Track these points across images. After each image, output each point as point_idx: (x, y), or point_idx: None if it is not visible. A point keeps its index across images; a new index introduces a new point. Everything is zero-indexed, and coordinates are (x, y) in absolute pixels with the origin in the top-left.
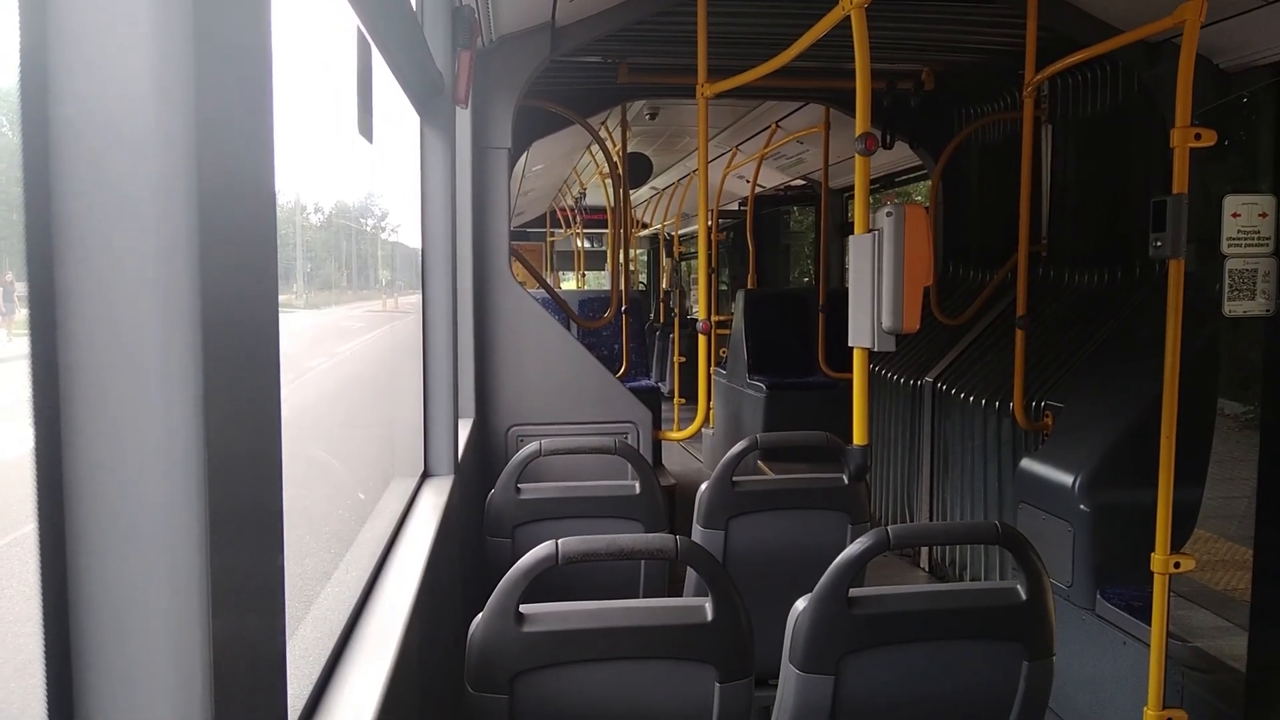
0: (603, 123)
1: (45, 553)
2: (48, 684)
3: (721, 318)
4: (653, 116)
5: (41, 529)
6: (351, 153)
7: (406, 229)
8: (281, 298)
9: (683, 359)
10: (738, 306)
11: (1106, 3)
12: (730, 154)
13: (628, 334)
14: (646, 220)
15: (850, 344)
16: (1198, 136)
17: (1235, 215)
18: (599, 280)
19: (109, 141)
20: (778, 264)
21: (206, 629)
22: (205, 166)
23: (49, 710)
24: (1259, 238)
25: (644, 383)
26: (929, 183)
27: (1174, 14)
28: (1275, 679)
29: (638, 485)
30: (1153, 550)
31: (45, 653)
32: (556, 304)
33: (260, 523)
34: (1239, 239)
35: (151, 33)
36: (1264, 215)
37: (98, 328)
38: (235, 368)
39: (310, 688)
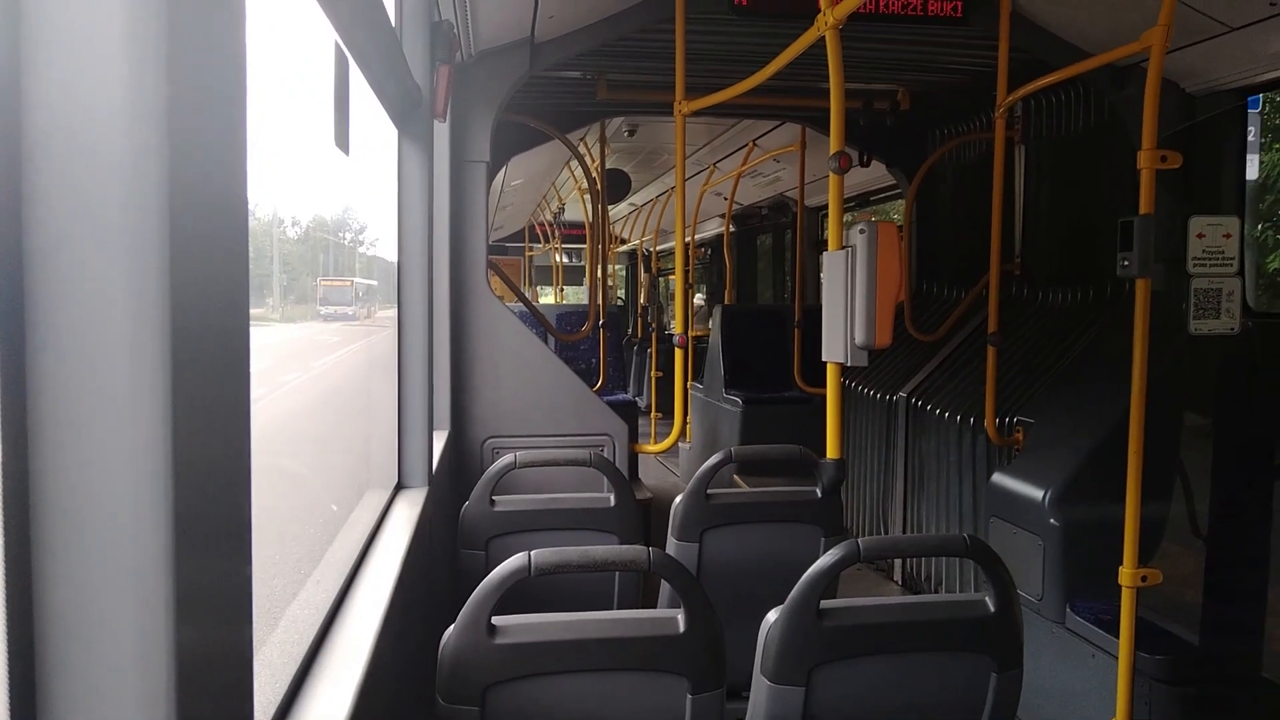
0: (582, 139)
1: (10, 559)
2: (10, 691)
3: (698, 332)
4: (631, 133)
5: (7, 535)
6: (330, 166)
7: (384, 242)
8: (257, 311)
9: (660, 373)
10: (715, 321)
11: (1076, 27)
12: (708, 171)
13: (605, 348)
14: (625, 236)
15: (824, 359)
16: (1164, 159)
17: (1200, 236)
18: (577, 295)
19: (81, 149)
20: (754, 280)
21: (172, 638)
22: (177, 175)
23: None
24: (1223, 258)
25: (621, 397)
26: (904, 201)
27: (1140, 39)
28: (1223, 690)
29: (613, 498)
30: (1121, 564)
31: (9, 659)
32: (534, 318)
33: (228, 532)
34: (1204, 259)
35: (125, 40)
36: (1228, 236)
37: (66, 335)
38: (204, 377)
39: (278, 700)
